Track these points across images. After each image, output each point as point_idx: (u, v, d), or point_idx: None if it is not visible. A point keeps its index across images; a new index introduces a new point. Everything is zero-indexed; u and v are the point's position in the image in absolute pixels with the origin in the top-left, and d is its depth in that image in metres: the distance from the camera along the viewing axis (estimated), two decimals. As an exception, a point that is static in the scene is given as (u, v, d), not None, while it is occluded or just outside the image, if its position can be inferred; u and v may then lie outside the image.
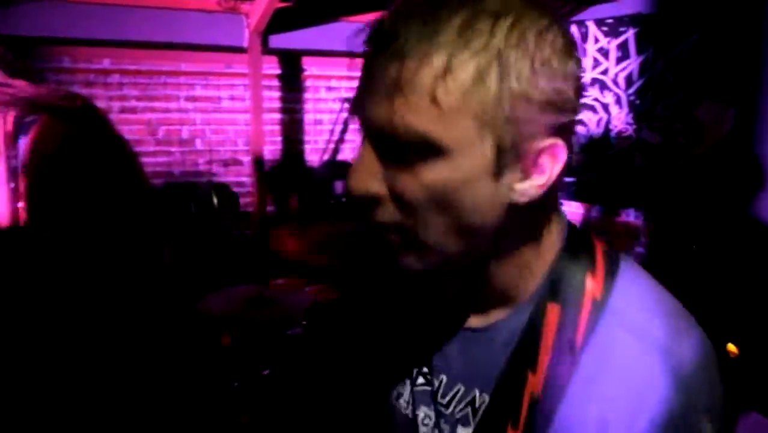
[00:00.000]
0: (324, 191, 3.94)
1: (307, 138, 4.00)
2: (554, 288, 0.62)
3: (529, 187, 0.56)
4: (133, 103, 3.59)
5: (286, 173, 3.91)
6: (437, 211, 0.55)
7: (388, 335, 0.72)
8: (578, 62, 0.57)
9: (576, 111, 0.57)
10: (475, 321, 0.65)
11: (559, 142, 0.55)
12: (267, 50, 3.62)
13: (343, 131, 4.06)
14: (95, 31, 3.38)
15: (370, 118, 0.55)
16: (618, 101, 3.18)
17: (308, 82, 3.94)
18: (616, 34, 3.17)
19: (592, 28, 3.22)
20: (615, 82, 3.18)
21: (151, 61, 3.58)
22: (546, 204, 0.59)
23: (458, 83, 0.52)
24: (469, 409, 0.65)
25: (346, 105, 4.02)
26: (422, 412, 0.68)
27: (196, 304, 2.55)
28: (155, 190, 3.49)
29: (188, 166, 3.77)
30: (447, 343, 0.67)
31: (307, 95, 3.96)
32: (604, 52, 3.20)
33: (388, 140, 0.54)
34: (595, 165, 3.25)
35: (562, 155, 0.55)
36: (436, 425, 0.66)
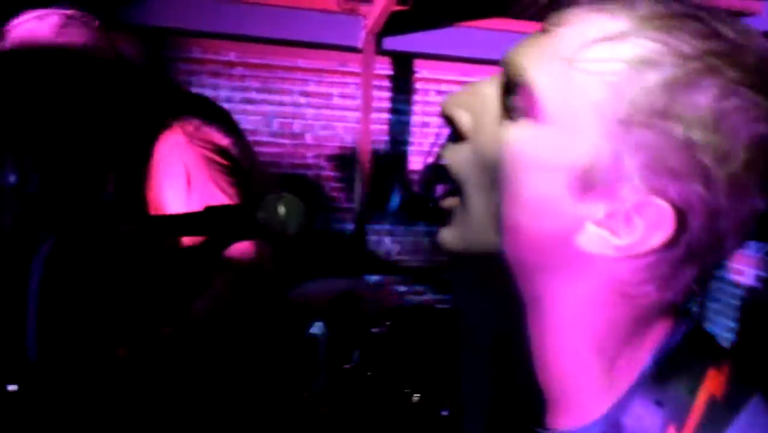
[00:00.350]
0: (424, 193, 3.96)
1: (412, 139, 4.04)
2: (620, 426, 0.46)
3: (603, 240, 0.43)
4: (253, 95, 3.79)
5: (389, 172, 3.96)
6: (495, 178, 0.45)
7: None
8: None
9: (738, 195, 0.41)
10: (545, 422, 0.52)
11: (668, 210, 0.41)
12: (380, 51, 3.69)
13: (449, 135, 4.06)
14: (224, 26, 3.59)
15: (509, 52, 0.47)
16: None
17: (418, 85, 3.98)
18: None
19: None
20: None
21: (272, 56, 3.76)
22: (641, 292, 0.45)
23: (610, 55, 0.41)
24: None
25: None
26: None
27: (288, 293, 2.65)
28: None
29: (297, 159, 3.92)
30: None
31: (416, 97, 3.99)
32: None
33: (504, 82, 0.47)
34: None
35: (665, 230, 0.41)
36: None
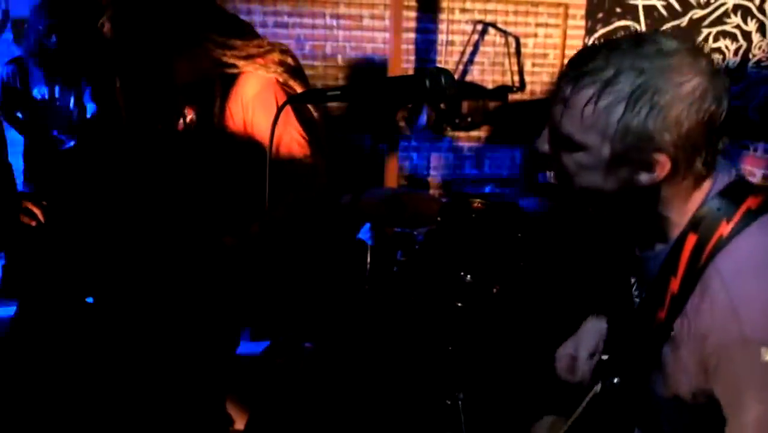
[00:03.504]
0: (451, 110, 4.17)
1: (438, 58, 4.21)
2: (696, 224, 0.90)
3: (638, 179, 0.88)
4: (285, 18, 3.94)
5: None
6: (571, 176, 0.92)
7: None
8: (707, 105, 0.84)
9: (690, 141, 0.85)
10: (645, 250, 1.00)
11: (663, 159, 0.86)
12: (408, -29, 3.82)
13: (473, 53, 4.23)
14: (256, -49, 3.71)
15: (551, 114, 0.91)
16: (761, 29, 3.13)
17: (444, 4, 4.11)
18: (768, -40, 3.09)
19: (742, -48, 3.16)
20: (761, 10, 3.12)
21: (302, -21, 3.89)
22: (677, 182, 0.89)
23: (597, 108, 0.85)
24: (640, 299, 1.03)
25: (478, 27, 4.16)
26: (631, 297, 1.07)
27: (339, 200, 2.92)
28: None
29: (329, 81, 4.11)
30: (634, 262, 1.04)
31: (442, 16, 4.14)
32: (753, -22, 3.13)
33: (553, 130, 0.92)
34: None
35: (665, 167, 0.86)
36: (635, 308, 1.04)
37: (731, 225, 0.87)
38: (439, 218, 2.68)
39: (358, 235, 3.08)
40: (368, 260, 2.87)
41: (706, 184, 0.91)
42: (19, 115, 3.09)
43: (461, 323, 2.47)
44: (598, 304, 1.22)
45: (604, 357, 1.10)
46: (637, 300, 1.03)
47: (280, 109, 0.99)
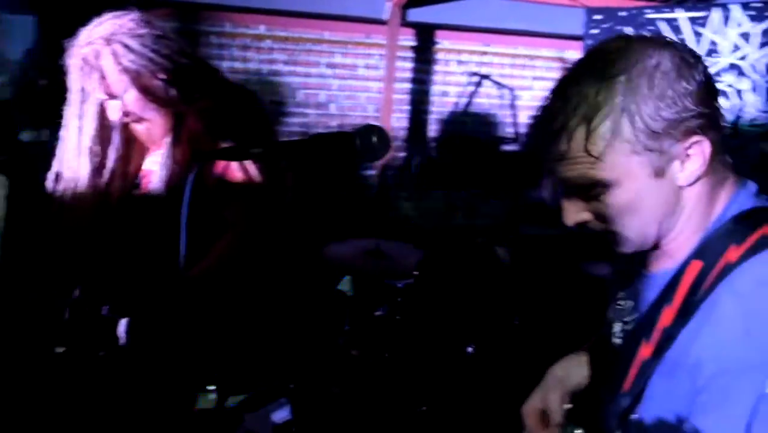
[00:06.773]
0: (443, 160, 4.13)
1: (432, 108, 4.20)
2: (702, 250, 0.80)
3: (689, 171, 0.77)
4: (281, 66, 3.96)
5: (410, 140, 4.13)
6: (620, 218, 0.80)
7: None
8: (693, 73, 0.75)
9: (705, 109, 0.75)
10: (651, 268, 0.88)
11: (695, 138, 0.76)
12: (404, 23, 3.84)
13: (468, 104, 4.22)
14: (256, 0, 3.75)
15: (560, 180, 0.81)
16: (754, 88, 3.07)
17: (439, 55, 4.12)
18: (762, 19, 3.06)
19: (736, 12, 3.13)
20: (754, 68, 3.07)
21: (300, 28, 3.93)
22: (700, 190, 0.80)
23: (601, 139, 0.75)
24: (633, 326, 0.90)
25: (474, 79, 4.16)
26: (617, 326, 0.94)
27: (321, 251, 2.84)
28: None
29: (320, 128, 4.10)
30: (634, 281, 0.92)
31: (437, 68, 4.14)
32: (746, 37, 3.10)
33: (578, 187, 0.80)
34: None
35: (706, 145, 0.76)
36: (621, 334, 0.93)
37: (742, 250, 0.77)
38: (416, 272, 2.60)
39: (338, 286, 3.01)
40: (347, 312, 2.78)
41: (721, 203, 0.82)
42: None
43: (441, 379, 2.37)
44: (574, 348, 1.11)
45: (568, 406, 1.01)
46: (619, 341, 0.93)
47: (198, 167, 0.93)
